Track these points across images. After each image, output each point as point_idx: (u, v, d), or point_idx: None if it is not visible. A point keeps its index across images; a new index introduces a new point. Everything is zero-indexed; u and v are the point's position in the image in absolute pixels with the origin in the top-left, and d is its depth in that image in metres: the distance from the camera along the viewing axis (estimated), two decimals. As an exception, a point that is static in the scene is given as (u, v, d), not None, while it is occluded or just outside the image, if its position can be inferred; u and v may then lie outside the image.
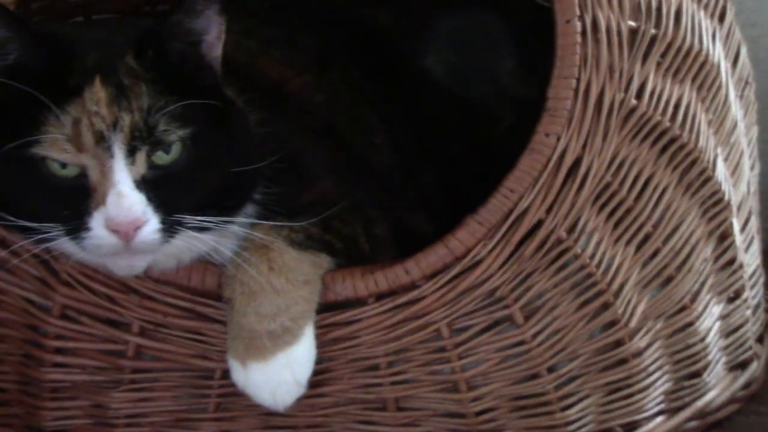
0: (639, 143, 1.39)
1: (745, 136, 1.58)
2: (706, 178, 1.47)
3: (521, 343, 1.40)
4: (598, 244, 1.39)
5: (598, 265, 1.40)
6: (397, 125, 1.57)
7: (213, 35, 1.29)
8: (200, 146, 1.26)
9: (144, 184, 1.23)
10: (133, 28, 1.30)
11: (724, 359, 1.58)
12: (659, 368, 1.49)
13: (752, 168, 1.62)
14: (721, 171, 1.49)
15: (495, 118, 1.60)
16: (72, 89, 1.23)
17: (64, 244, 1.25)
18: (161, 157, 1.24)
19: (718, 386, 1.56)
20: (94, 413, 1.42)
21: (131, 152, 1.22)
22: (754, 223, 1.62)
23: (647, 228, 1.42)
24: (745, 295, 1.59)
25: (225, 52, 1.31)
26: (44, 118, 1.22)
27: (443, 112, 1.60)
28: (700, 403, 1.54)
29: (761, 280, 1.66)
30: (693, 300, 1.49)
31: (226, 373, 1.36)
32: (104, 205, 1.22)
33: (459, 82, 1.60)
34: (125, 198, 1.22)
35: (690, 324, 1.50)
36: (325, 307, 1.37)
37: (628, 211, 1.41)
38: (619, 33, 1.36)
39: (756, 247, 1.63)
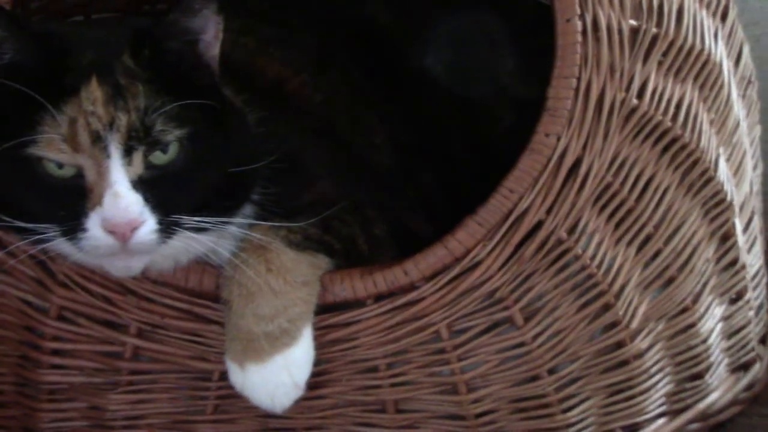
0: (640, 143, 1.39)
1: (748, 136, 1.58)
2: (708, 178, 1.46)
3: (521, 344, 1.40)
4: (599, 244, 1.39)
5: (599, 266, 1.39)
6: (396, 125, 1.57)
7: (210, 34, 1.28)
8: (198, 146, 1.25)
9: (141, 185, 1.22)
10: (130, 28, 1.30)
11: (726, 361, 1.57)
12: (661, 370, 1.48)
13: (755, 168, 1.62)
14: (724, 171, 1.49)
15: (495, 118, 1.60)
16: (68, 89, 1.23)
17: (61, 245, 1.25)
18: (158, 157, 1.24)
19: (720, 388, 1.56)
20: (91, 415, 1.42)
21: (128, 152, 1.22)
22: (756, 223, 1.62)
23: (648, 229, 1.42)
24: (747, 296, 1.58)
25: (223, 52, 1.31)
26: (40, 118, 1.22)
27: (443, 112, 1.59)
28: (702, 405, 1.53)
29: (764, 281, 1.65)
30: (695, 301, 1.49)
31: (224, 375, 1.35)
32: (101, 205, 1.21)
33: (459, 82, 1.60)
34: (122, 198, 1.21)
35: (692, 325, 1.49)
36: (323, 309, 1.36)
37: (629, 211, 1.40)
38: (620, 32, 1.36)
39: (759, 247, 1.63)
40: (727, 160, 1.50)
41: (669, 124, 1.40)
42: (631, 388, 1.46)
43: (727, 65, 1.49)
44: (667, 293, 1.46)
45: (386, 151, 1.55)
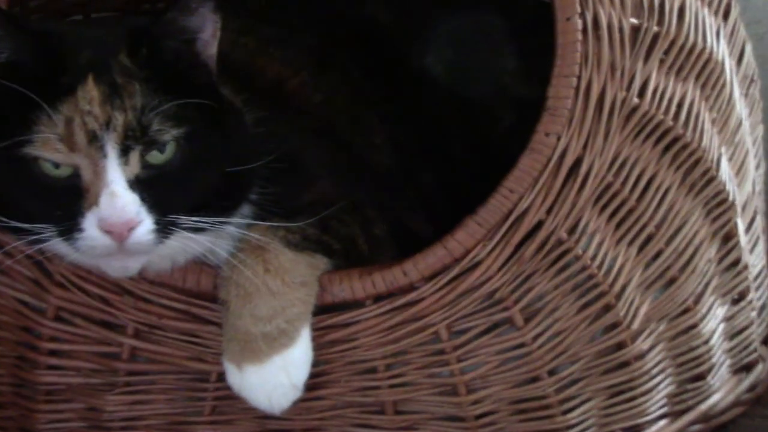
0: (641, 143, 1.38)
1: (750, 135, 1.58)
2: (710, 177, 1.46)
3: (521, 345, 1.39)
4: (600, 245, 1.38)
5: (599, 267, 1.39)
6: (397, 125, 1.56)
7: (208, 33, 1.28)
8: (195, 146, 1.25)
9: (138, 184, 1.22)
10: (127, 27, 1.29)
11: (728, 362, 1.56)
12: (662, 371, 1.48)
13: (757, 167, 1.61)
14: (725, 170, 1.48)
15: (495, 118, 1.59)
16: (65, 88, 1.22)
17: (58, 245, 1.25)
18: (155, 157, 1.23)
19: (722, 389, 1.55)
20: (88, 416, 1.41)
21: (124, 152, 1.22)
22: (759, 223, 1.62)
23: (650, 229, 1.41)
24: (750, 296, 1.58)
25: (222, 52, 1.30)
26: (36, 118, 1.21)
27: (443, 111, 1.59)
28: (704, 407, 1.53)
29: (767, 282, 1.64)
30: (697, 302, 1.48)
31: (221, 376, 1.35)
32: (97, 205, 1.21)
33: (459, 81, 1.60)
34: (118, 198, 1.21)
35: (693, 326, 1.49)
36: (322, 309, 1.36)
37: (630, 211, 1.40)
38: (621, 30, 1.35)
39: (761, 247, 1.62)
40: (729, 159, 1.50)
41: (670, 123, 1.40)
42: (632, 389, 1.45)
43: (729, 64, 1.49)
44: (669, 294, 1.45)
45: (386, 151, 1.55)
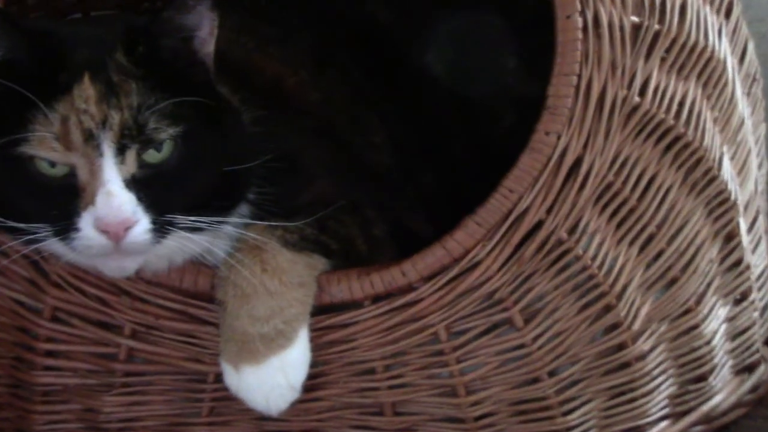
0: (642, 142, 1.38)
1: (752, 134, 1.57)
2: (712, 177, 1.45)
3: (521, 346, 1.39)
4: (600, 245, 1.38)
5: (600, 267, 1.38)
6: (396, 125, 1.56)
7: (205, 31, 1.27)
8: (192, 145, 1.24)
9: (134, 184, 1.22)
10: (124, 25, 1.29)
11: (730, 362, 1.56)
12: (663, 372, 1.47)
13: (759, 166, 1.61)
14: (727, 170, 1.47)
15: (496, 118, 1.59)
16: (61, 87, 1.22)
17: (54, 244, 1.24)
18: (152, 156, 1.23)
19: (724, 390, 1.55)
20: (85, 417, 1.41)
21: (121, 151, 1.21)
22: (761, 222, 1.61)
23: (651, 228, 1.41)
24: (752, 296, 1.57)
25: (220, 50, 1.30)
26: (32, 116, 1.21)
27: (443, 111, 1.59)
28: (705, 408, 1.52)
29: (769, 282, 1.64)
30: (698, 302, 1.48)
31: (219, 377, 1.35)
32: (93, 204, 1.20)
33: (459, 80, 1.59)
34: (115, 197, 1.20)
35: (695, 326, 1.48)
36: (320, 310, 1.35)
37: (631, 211, 1.39)
38: (622, 28, 1.35)
39: (764, 247, 1.62)
40: (731, 158, 1.49)
41: (671, 122, 1.39)
42: (633, 390, 1.45)
43: (731, 62, 1.48)
44: (670, 294, 1.44)
45: (386, 151, 1.54)
